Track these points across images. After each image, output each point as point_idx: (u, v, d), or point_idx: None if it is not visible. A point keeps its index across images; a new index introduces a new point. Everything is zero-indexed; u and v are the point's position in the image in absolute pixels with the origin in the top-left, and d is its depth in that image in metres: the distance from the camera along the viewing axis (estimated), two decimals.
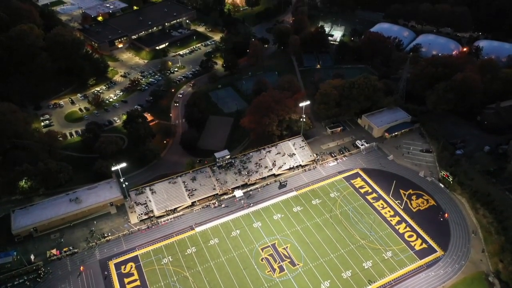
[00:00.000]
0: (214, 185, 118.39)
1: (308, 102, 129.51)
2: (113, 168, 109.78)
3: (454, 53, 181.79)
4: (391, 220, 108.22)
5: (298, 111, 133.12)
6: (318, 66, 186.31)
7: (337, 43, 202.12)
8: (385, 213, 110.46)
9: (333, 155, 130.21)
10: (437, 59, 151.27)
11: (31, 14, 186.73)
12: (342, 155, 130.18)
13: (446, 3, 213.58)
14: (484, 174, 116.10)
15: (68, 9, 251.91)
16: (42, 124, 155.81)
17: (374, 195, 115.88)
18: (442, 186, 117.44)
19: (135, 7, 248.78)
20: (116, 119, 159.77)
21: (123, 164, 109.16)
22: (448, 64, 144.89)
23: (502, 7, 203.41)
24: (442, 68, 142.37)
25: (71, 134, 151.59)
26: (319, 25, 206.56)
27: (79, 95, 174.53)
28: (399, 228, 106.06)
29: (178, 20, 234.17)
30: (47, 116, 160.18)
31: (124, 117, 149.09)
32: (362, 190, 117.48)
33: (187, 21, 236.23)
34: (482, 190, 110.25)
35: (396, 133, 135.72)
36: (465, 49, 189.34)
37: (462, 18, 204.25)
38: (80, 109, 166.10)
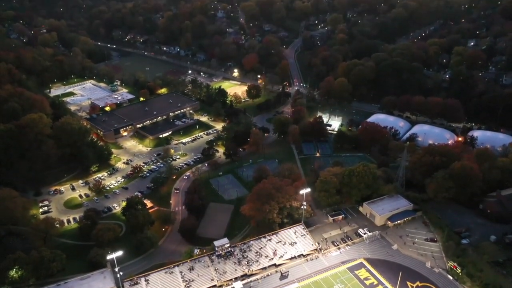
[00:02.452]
0: (213, 276, 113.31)
1: (308, 190, 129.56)
2: (108, 257, 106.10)
3: (449, 142, 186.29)
4: None
5: (299, 199, 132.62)
6: (318, 154, 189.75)
7: (335, 132, 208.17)
8: None
9: (335, 244, 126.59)
10: (434, 148, 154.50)
11: (42, 104, 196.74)
12: (345, 244, 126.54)
13: (438, 96, 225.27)
14: (493, 265, 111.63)
15: (78, 100, 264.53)
16: (40, 210, 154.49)
17: (380, 287, 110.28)
18: (451, 278, 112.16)
19: (141, 98, 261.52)
20: (115, 205, 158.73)
21: (119, 253, 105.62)
22: (445, 153, 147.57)
23: (491, 100, 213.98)
24: (440, 157, 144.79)
25: (68, 221, 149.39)
26: (318, 116, 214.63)
27: (80, 181, 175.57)
28: None
29: (182, 110, 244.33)
30: (46, 202, 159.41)
31: (124, 203, 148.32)
32: (367, 282, 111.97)
33: (191, 111, 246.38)
34: (494, 283, 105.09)
35: (399, 221, 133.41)
36: (460, 139, 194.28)
37: (454, 110, 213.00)
38: (80, 196, 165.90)
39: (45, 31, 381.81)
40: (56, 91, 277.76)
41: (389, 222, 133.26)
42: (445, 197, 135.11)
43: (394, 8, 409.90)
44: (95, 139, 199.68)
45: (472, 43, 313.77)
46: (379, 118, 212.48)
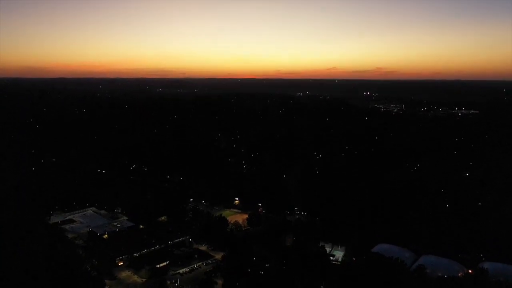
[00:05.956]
0: None
1: None
2: None
3: (459, 274, 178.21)
4: None
5: None
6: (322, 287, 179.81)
7: (339, 263, 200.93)
8: None
9: None
10: (445, 280, 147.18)
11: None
12: None
13: (441, 223, 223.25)
14: None
15: (77, 228, 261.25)
16: None
17: None
18: None
19: (141, 226, 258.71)
20: None
21: None
22: None
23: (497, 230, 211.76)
24: None
25: None
26: (320, 245, 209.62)
27: None
28: None
29: (181, 238, 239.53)
30: None
31: None
32: None
33: (190, 239, 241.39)
34: None
35: None
36: (470, 271, 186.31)
37: (459, 242, 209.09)
38: None
39: (54, 159, 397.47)
40: (56, 218, 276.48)
41: None
42: None
43: (389, 139, 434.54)
44: (89, 269, 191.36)
45: (467, 174, 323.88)
46: (383, 248, 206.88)
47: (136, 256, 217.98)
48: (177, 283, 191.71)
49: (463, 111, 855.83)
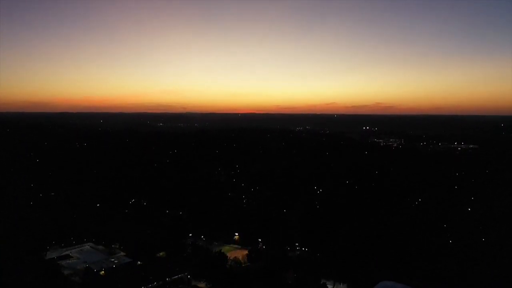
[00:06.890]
0: None
1: None
2: None
3: None
4: None
5: None
6: None
7: None
8: None
9: None
10: None
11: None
12: None
13: (442, 259, 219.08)
14: None
15: (74, 264, 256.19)
16: None
17: None
18: None
19: (139, 262, 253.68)
20: None
21: None
22: None
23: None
24: None
25: None
26: (321, 282, 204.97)
27: None
28: None
29: (179, 275, 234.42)
30: None
31: None
32: None
33: (188, 276, 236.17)
34: None
35: None
36: None
37: (464, 277, 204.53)
38: None
39: (53, 193, 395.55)
40: (52, 253, 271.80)
41: None
42: None
43: (389, 173, 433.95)
44: None
45: (469, 209, 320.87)
46: (387, 286, 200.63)
47: None
48: None
49: (462, 145, 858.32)
